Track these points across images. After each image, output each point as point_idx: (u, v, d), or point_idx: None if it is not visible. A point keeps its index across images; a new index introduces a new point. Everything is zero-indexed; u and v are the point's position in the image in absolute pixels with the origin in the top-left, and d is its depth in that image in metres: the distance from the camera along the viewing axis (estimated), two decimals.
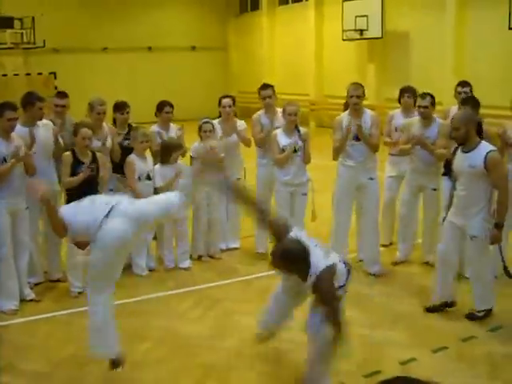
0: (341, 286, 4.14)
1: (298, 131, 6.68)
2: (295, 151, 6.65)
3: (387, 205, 7.39)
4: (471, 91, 7.04)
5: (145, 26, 22.88)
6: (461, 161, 5.34)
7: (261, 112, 7.36)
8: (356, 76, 17.66)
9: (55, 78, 20.30)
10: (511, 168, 6.00)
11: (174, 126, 7.31)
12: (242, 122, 7.54)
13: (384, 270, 6.69)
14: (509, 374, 4.63)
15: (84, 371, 4.72)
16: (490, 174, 5.20)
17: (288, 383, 4.44)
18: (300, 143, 6.67)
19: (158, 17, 23.24)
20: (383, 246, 7.20)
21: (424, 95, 6.54)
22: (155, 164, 6.86)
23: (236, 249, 7.58)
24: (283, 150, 6.64)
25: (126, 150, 6.78)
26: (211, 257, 7.30)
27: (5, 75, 20.01)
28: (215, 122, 7.28)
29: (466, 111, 5.77)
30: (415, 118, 6.73)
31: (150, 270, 6.86)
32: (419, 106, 6.54)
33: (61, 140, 6.49)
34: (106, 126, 6.79)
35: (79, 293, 6.09)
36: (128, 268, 6.40)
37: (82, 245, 4.45)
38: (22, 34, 20.10)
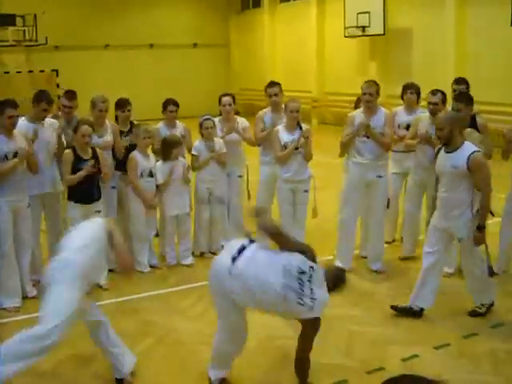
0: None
1: (300, 128, 6.68)
2: (297, 148, 6.64)
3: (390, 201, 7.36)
4: (467, 88, 6.92)
5: (146, 23, 22.88)
6: (443, 161, 5.26)
7: (266, 110, 7.35)
8: (358, 73, 17.73)
9: (57, 75, 20.30)
10: None
11: (180, 124, 7.30)
12: (244, 119, 7.54)
13: (386, 267, 6.68)
14: (511, 371, 4.63)
15: (84, 371, 4.71)
16: (473, 176, 5.10)
17: (291, 380, 4.44)
18: (298, 137, 6.58)
19: (159, 14, 23.25)
20: (386, 242, 7.19)
21: (435, 92, 6.52)
22: (157, 161, 6.86)
23: None
24: (285, 147, 6.64)
25: (130, 147, 6.79)
26: (213, 254, 7.29)
27: (7, 72, 20.05)
28: (216, 119, 7.28)
29: (450, 112, 5.74)
30: (425, 114, 6.71)
31: (152, 267, 6.87)
32: (429, 103, 6.51)
33: (64, 139, 6.48)
34: (109, 123, 6.77)
35: None
36: None
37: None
38: (24, 31, 20.08)
